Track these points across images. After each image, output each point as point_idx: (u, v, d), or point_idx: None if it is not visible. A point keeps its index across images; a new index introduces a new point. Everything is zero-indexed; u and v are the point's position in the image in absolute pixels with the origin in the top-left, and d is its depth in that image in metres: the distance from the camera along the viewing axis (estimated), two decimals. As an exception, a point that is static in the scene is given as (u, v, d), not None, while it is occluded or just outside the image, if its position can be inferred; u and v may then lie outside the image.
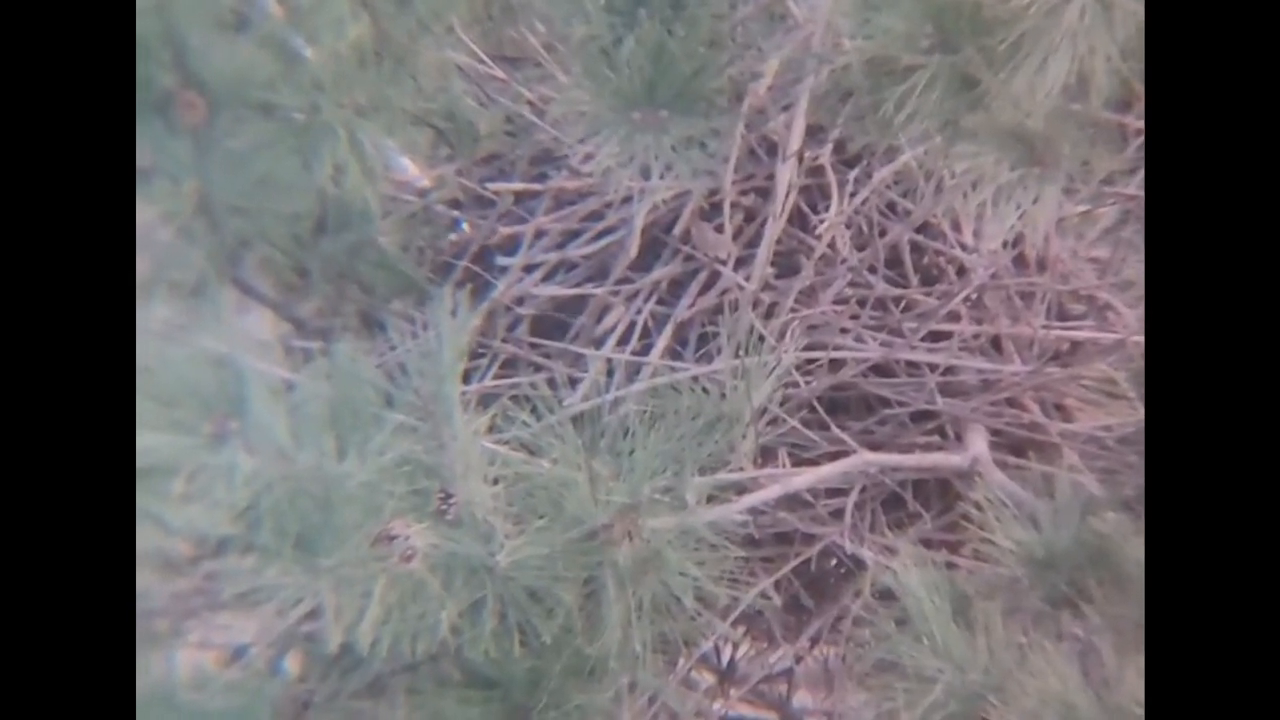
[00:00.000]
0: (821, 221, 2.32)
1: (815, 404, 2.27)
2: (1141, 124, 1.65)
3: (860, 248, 2.35)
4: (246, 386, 1.62)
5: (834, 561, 2.41)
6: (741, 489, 1.97)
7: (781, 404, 2.12)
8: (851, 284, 2.33)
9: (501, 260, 2.38)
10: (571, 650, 1.81)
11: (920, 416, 2.33)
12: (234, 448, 1.62)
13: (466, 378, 1.82)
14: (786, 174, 2.28)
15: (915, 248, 2.39)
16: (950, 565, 2.01)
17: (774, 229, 2.28)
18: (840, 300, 2.32)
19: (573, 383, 2.18)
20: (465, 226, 2.42)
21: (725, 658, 2.56)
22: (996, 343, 2.38)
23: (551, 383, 1.95)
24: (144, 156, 1.87)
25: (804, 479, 2.11)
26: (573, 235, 2.38)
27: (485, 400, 1.87)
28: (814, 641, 2.46)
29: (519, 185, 2.41)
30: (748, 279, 2.27)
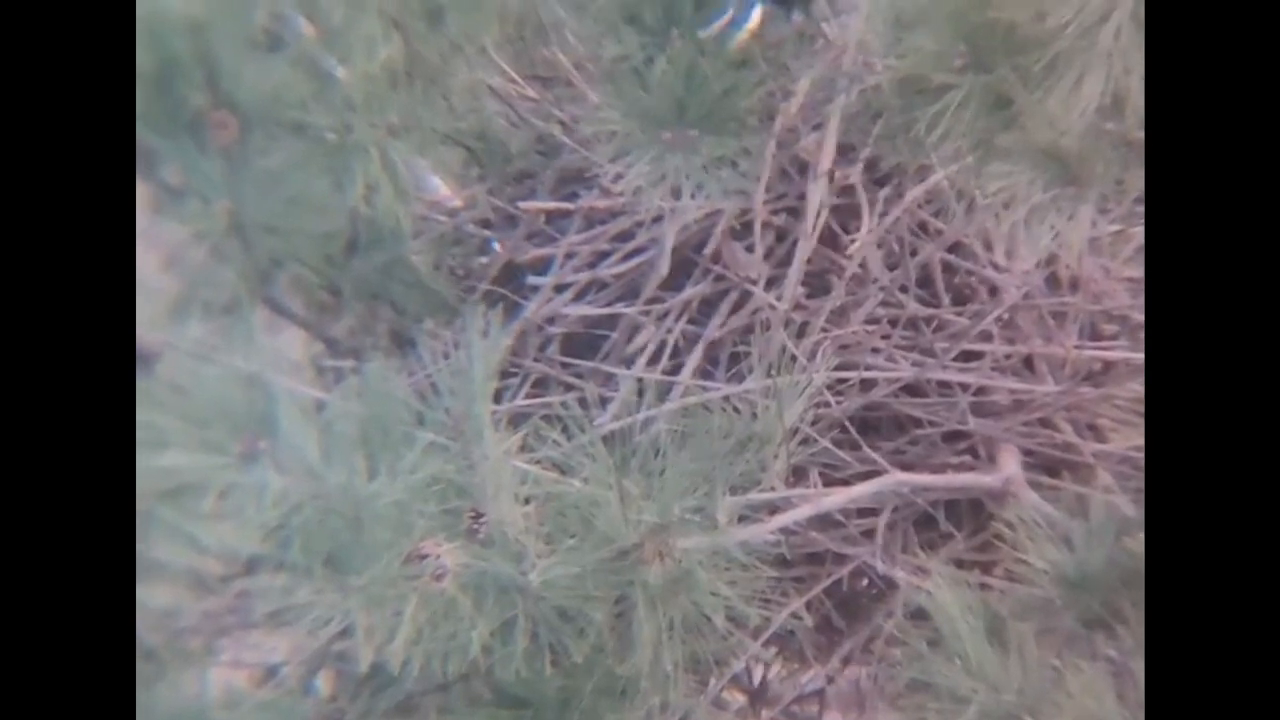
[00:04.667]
0: (853, 241, 2.32)
1: (847, 424, 2.26)
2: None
3: (892, 267, 2.34)
4: (277, 406, 1.63)
5: (866, 582, 2.40)
6: (773, 509, 1.96)
7: (813, 424, 2.12)
8: (883, 304, 2.33)
9: (533, 280, 2.38)
10: (603, 670, 1.81)
11: (952, 436, 2.32)
12: (264, 467, 1.62)
13: (498, 397, 1.81)
14: (817, 193, 2.28)
15: (947, 267, 2.38)
16: (983, 586, 2.00)
17: (805, 248, 2.28)
18: (872, 320, 2.32)
19: (604, 402, 2.18)
20: (497, 246, 2.43)
21: (757, 678, 2.55)
22: (1029, 363, 2.37)
23: (582, 402, 1.95)
24: (176, 176, 1.88)
25: (835, 499, 2.10)
26: (603, 255, 2.38)
27: (516, 419, 1.86)
28: (846, 662, 2.45)
29: (550, 205, 2.41)
30: (779, 298, 2.26)
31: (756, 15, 1.99)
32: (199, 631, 2.06)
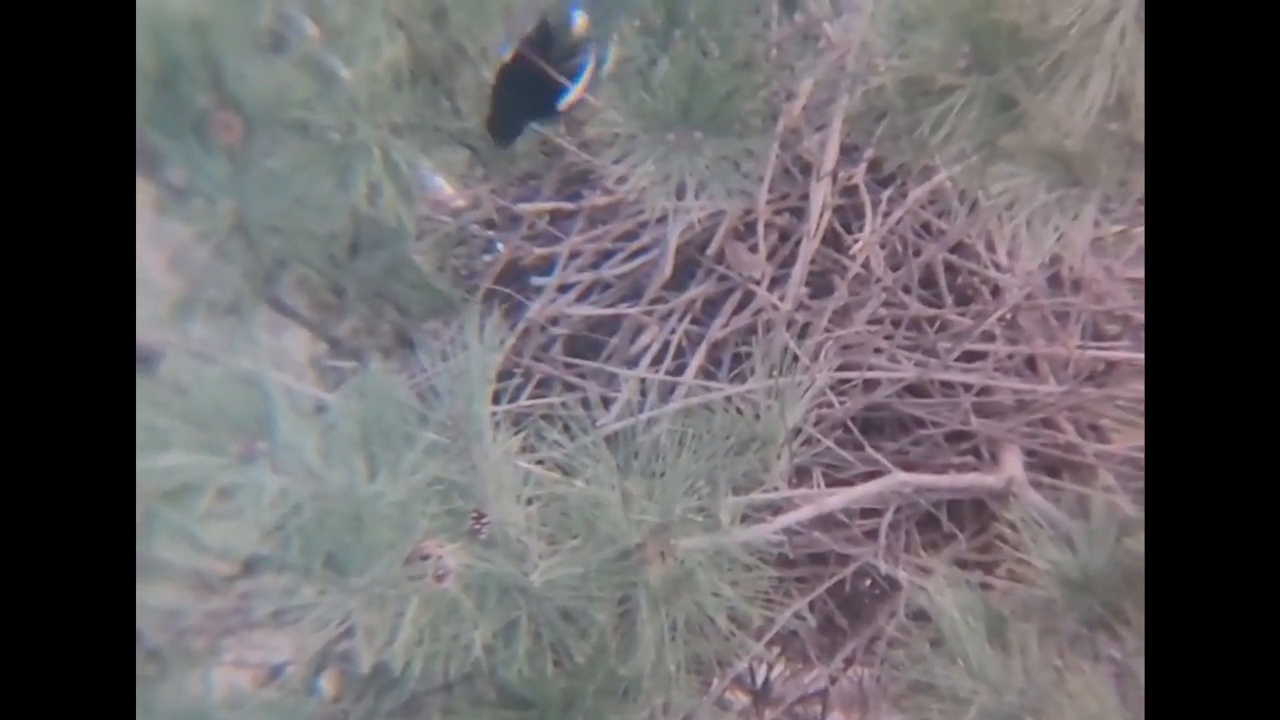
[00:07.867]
0: (856, 241, 2.32)
1: (849, 424, 2.26)
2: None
3: (895, 268, 2.34)
4: (274, 406, 1.63)
5: (868, 582, 2.40)
6: (776, 509, 1.97)
7: (816, 424, 2.12)
8: (886, 304, 2.32)
9: (536, 280, 2.38)
10: (605, 670, 1.81)
11: (955, 437, 2.32)
12: (264, 467, 1.62)
13: (500, 397, 1.82)
14: (821, 194, 2.28)
15: (950, 268, 2.38)
16: (985, 586, 2.00)
17: (808, 249, 2.28)
18: (874, 320, 2.32)
19: (606, 403, 2.18)
20: (500, 247, 2.43)
21: (759, 678, 2.55)
22: (1031, 363, 2.37)
23: (585, 402, 1.95)
24: (180, 176, 1.89)
25: (838, 499, 2.10)
26: (607, 255, 2.38)
27: (519, 420, 1.86)
28: (848, 662, 2.45)
29: (553, 205, 2.41)
30: (782, 299, 2.27)
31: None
32: (202, 631, 2.07)
